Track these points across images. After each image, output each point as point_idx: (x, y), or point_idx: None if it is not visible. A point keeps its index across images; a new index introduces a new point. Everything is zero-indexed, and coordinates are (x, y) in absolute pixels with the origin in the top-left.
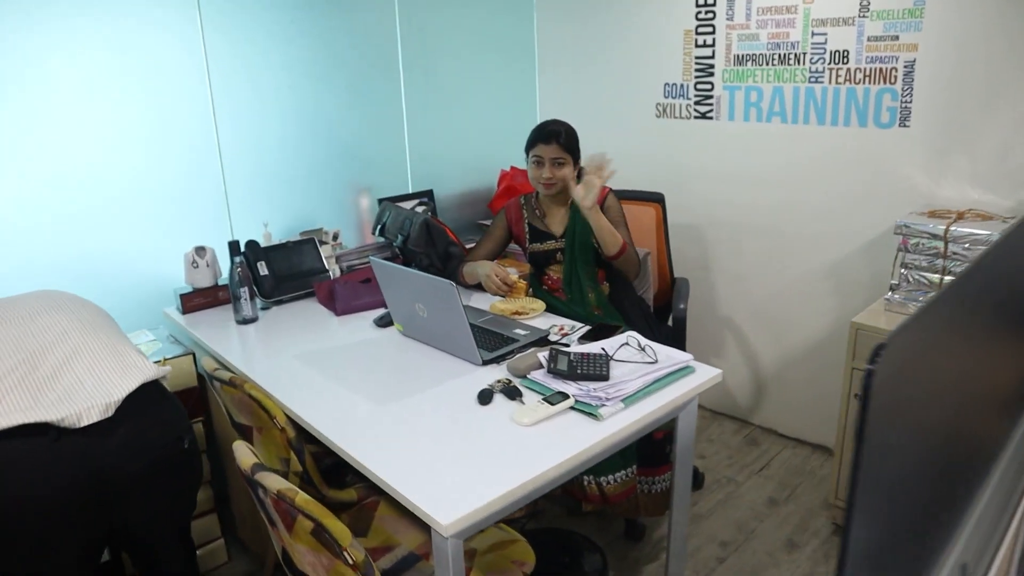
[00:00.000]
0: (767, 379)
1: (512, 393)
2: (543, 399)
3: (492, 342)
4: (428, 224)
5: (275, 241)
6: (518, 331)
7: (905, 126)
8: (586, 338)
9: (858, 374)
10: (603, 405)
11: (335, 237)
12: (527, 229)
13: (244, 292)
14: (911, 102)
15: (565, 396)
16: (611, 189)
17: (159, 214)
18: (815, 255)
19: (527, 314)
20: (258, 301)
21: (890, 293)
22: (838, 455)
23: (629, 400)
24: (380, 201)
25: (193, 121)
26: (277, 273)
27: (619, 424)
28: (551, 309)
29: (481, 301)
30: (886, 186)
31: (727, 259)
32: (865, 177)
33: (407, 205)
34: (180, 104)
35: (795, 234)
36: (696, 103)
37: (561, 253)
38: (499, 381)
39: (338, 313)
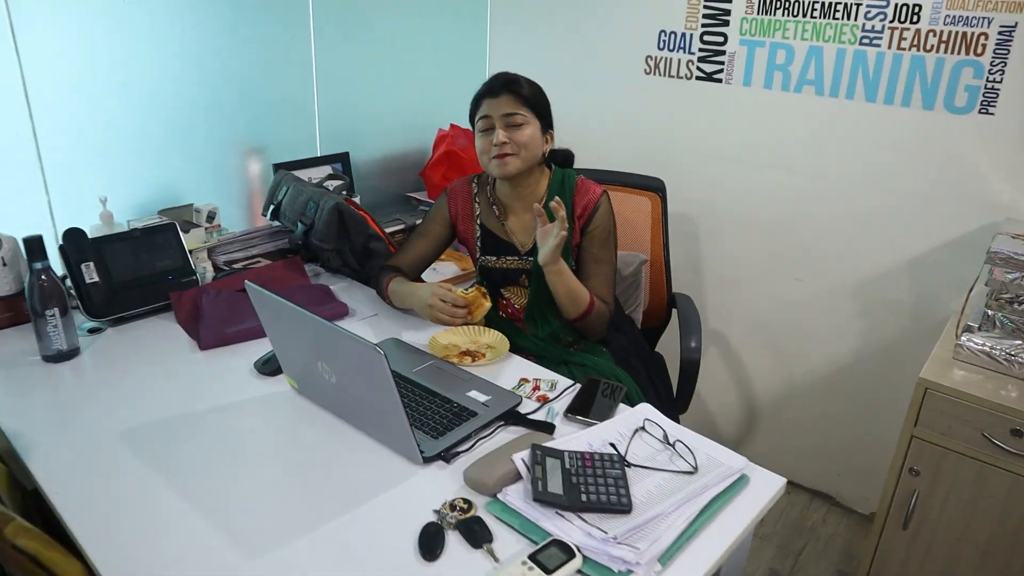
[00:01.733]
0: (759, 408)
1: (475, 533)
2: (530, 558)
3: (436, 416)
4: (341, 210)
5: (118, 227)
6: (474, 394)
7: (987, 112)
8: (576, 408)
9: (919, 445)
10: (631, 572)
11: (210, 218)
12: (478, 232)
13: (53, 314)
14: (1001, 82)
15: (568, 553)
16: (605, 191)
17: None
18: (841, 265)
19: (482, 356)
20: (80, 321)
21: (964, 336)
22: (877, 528)
23: (668, 554)
24: (276, 168)
25: None
26: (114, 277)
27: None
28: (512, 346)
29: (412, 327)
30: (951, 189)
31: (724, 260)
32: (923, 175)
33: (314, 174)
34: None
35: (817, 237)
36: (701, 60)
37: (527, 276)
38: (453, 507)
39: (202, 346)
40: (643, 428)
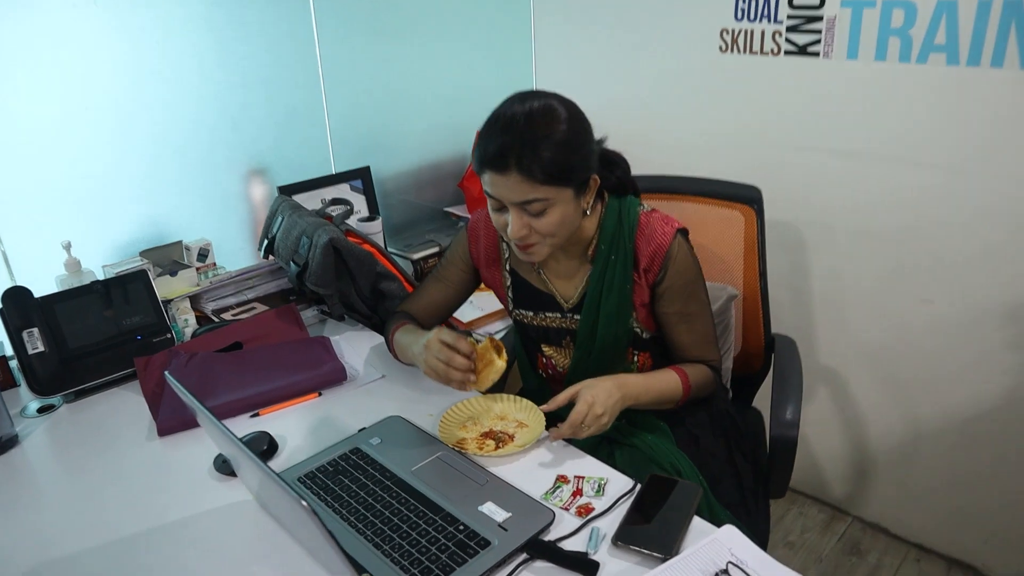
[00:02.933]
0: (876, 458)
1: None
2: None
3: (432, 548)
4: (337, 247)
5: (88, 276)
6: (490, 508)
7: None
8: (631, 534)
9: None
10: None
11: (202, 256)
12: (508, 280)
13: None
14: None
15: None
16: (678, 232)
17: None
18: (984, 283)
19: (509, 440)
20: (29, 398)
21: None
22: None
23: None
24: (279, 192)
25: None
26: (69, 343)
27: None
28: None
29: (427, 400)
30: None
31: (829, 278)
32: None
33: (329, 194)
34: None
35: (952, 247)
36: (791, 29)
37: (571, 337)
38: None
39: (160, 431)
40: (726, 571)
